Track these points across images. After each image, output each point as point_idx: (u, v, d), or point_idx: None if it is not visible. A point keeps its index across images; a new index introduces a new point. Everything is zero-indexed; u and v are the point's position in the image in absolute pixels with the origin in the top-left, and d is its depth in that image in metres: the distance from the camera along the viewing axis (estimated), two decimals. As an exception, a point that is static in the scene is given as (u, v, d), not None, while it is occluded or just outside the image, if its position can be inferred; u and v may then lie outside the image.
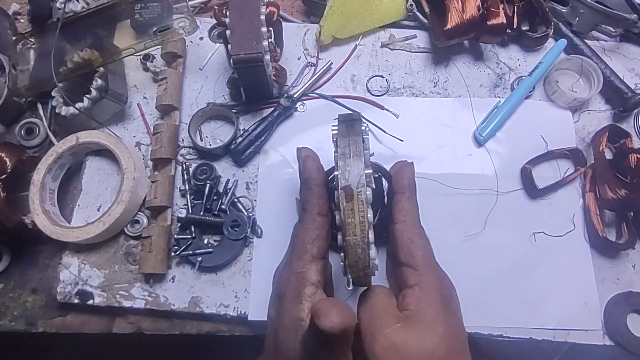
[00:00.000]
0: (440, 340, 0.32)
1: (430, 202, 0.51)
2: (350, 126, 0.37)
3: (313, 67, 0.57)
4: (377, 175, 0.46)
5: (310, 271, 0.36)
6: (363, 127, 0.37)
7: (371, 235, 0.34)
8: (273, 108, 0.54)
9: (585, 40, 0.58)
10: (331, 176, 0.44)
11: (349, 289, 0.36)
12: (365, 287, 0.38)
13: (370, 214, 0.34)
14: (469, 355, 0.35)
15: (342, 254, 0.35)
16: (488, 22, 0.53)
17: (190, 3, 0.59)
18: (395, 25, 0.60)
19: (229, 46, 0.47)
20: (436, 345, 0.32)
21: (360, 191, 0.33)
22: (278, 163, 0.53)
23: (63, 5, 0.55)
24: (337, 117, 0.39)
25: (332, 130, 0.38)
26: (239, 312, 0.48)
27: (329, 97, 0.55)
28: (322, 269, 0.37)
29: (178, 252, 0.49)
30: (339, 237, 0.35)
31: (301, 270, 0.36)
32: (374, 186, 0.35)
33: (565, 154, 0.53)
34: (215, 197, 0.51)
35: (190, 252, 0.49)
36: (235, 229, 0.49)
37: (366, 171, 0.34)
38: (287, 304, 0.35)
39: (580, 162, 0.53)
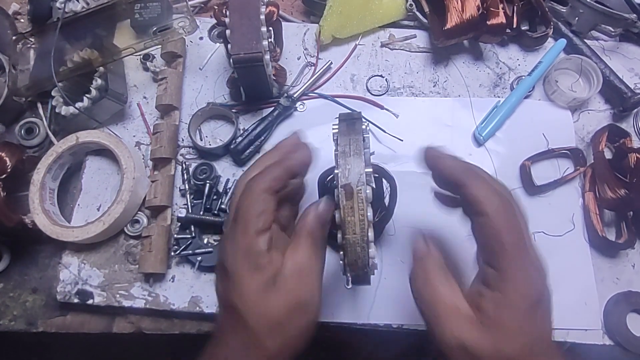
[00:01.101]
0: (522, 348, 0.29)
1: (430, 201, 0.51)
2: (350, 125, 0.37)
3: (313, 67, 0.57)
4: (376, 175, 0.46)
5: (260, 243, 0.32)
6: (364, 126, 0.37)
7: (371, 234, 0.34)
8: (273, 108, 0.54)
9: (585, 40, 0.58)
10: (331, 175, 0.44)
11: (348, 287, 0.36)
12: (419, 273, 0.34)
13: (370, 213, 0.34)
14: (554, 355, 0.32)
15: (341, 252, 0.35)
16: (487, 22, 0.53)
17: (190, 3, 0.59)
18: (395, 25, 0.60)
19: (229, 46, 0.47)
20: (516, 353, 0.29)
21: (360, 189, 0.33)
22: (278, 163, 0.53)
23: (63, 5, 0.55)
24: (337, 115, 0.39)
25: (333, 129, 0.38)
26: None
27: (328, 97, 0.56)
28: (272, 234, 0.33)
29: (178, 251, 0.49)
30: (339, 235, 0.35)
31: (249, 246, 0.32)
32: (374, 185, 0.35)
33: (566, 153, 0.53)
34: (215, 197, 0.51)
35: (190, 251, 0.49)
36: (235, 228, 0.49)
37: (366, 170, 0.34)
38: (245, 279, 0.32)
39: (581, 161, 0.53)
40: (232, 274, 0.32)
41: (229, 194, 0.51)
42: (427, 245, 0.35)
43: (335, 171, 0.34)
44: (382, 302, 0.48)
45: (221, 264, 0.34)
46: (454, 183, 0.34)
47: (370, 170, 0.34)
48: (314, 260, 0.33)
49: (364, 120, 0.38)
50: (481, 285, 0.31)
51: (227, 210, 0.50)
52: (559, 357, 0.32)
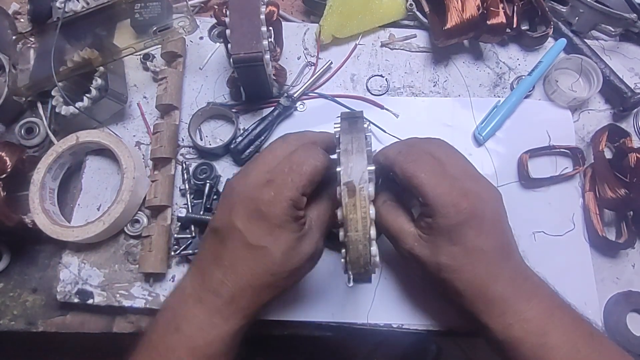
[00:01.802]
0: (454, 258, 0.37)
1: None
2: (352, 123, 0.37)
3: (313, 67, 0.57)
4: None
5: (304, 200, 0.37)
6: (366, 125, 0.37)
7: (373, 232, 0.34)
8: (273, 107, 0.54)
9: (585, 40, 0.58)
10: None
11: (350, 285, 0.36)
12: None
13: (372, 210, 0.34)
14: (500, 265, 0.37)
15: (343, 250, 0.35)
16: (488, 22, 0.53)
17: (190, 2, 0.59)
18: (395, 24, 0.60)
19: (229, 45, 0.47)
20: (449, 261, 0.37)
21: (363, 187, 0.33)
22: (278, 162, 0.53)
23: (63, 4, 0.55)
24: (339, 115, 0.39)
25: (335, 127, 0.38)
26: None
27: (328, 97, 0.55)
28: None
29: (178, 251, 0.49)
30: (341, 233, 0.34)
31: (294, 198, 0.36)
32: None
33: (566, 152, 0.54)
34: (215, 197, 0.51)
35: (190, 251, 0.49)
36: (235, 228, 0.49)
37: (369, 168, 0.34)
38: (285, 227, 0.36)
39: (580, 161, 0.52)
40: (272, 219, 0.35)
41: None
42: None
43: (338, 169, 0.34)
44: (382, 302, 0.48)
45: (254, 206, 0.36)
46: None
47: (373, 168, 0.34)
48: (330, 215, 0.38)
49: (365, 118, 0.39)
50: (422, 213, 0.39)
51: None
52: (511, 267, 0.38)
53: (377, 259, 0.35)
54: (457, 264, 0.37)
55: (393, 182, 0.45)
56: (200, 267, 0.39)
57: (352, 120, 0.37)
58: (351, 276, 0.36)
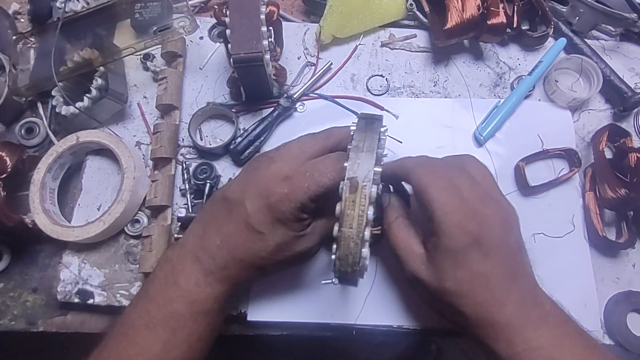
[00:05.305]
0: (460, 283, 0.36)
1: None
2: (369, 123, 0.37)
3: (313, 67, 0.57)
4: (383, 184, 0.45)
5: (311, 204, 0.37)
6: (382, 129, 0.37)
7: (367, 233, 0.33)
8: (273, 108, 0.54)
9: (585, 40, 0.58)
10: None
11: (335, 283, 0.36)
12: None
13: (370, 211, 0.33)
14: (510, 291, 0.36)
15: (334, 246, 0.35)
16: (488, 22, 0.53)
17: (190, 2, 0.59)
18: (395, 24, 0.60)
19: (229, 45, 0.47)
20: (455, 287, 0.36)
21: (366, 186, 0.33)
22: (278, 162, 0.53)
23: (63, 4, 0.55)
24: (359, 114, 0.39)
25: (352, 125, 0.38)
26: (238, 312, 0.48)
27: (328, 98, 0.55)
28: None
29: (178, 251, 0.49)
30: (335, 227, 0.34)
31: (299, 202, 0.36)
32: (381, 186, 0.35)
33: (560, 154, 0.53)
34: (215, 197, 0.51)
35: (190, 251, 0.49)
36: (235, 228, 0.49)
37: (376, 168, 0.34)
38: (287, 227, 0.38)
39: (575, 162, 0.52)
40: (278, 214, 0.37)
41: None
42: (388, 199, 0.43)
43: (345, 164, 0.34)
44: (381, 303, 0.47)
45: (266, 196, 0.37)
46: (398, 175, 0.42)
47: (380, 170, 0.34)
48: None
49: (383, 122, 0.38)
50: (429, 231, 0.38)
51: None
52: (519, 293, 0.36)
53: (367, 262, 0.35)
54: (464, 290, 0.36)
55: (408, 197, 0.45)
56: (203, 226, 0.41)
57: (369, 121, 0.37)
58: (338, 274, 0.35)
